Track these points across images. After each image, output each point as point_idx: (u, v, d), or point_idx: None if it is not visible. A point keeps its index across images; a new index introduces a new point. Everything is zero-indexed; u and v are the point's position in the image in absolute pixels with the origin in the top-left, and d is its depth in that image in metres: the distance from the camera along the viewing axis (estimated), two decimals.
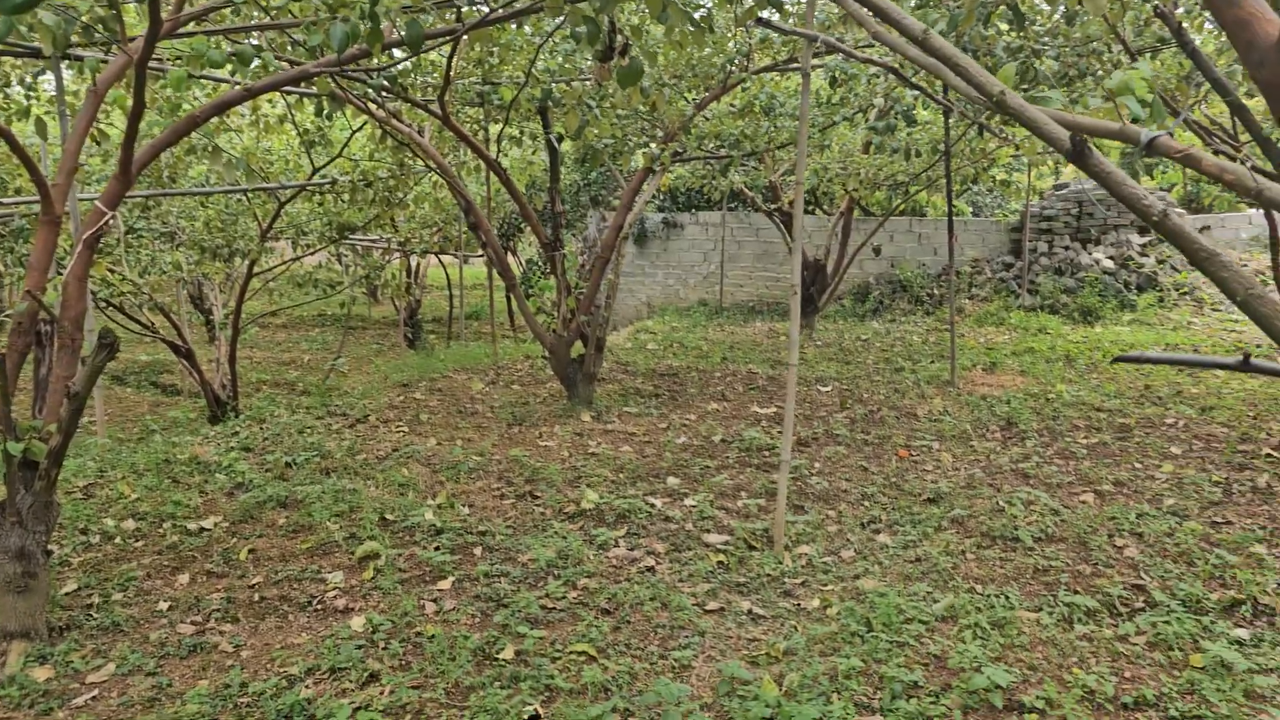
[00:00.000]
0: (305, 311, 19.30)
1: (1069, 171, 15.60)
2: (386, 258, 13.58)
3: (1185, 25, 5.66)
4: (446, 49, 6.55)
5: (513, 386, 9.01)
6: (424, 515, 5.17)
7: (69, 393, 3.72)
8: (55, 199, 3.83)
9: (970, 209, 16.90)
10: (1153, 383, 8.59)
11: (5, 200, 8.13)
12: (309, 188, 8.83)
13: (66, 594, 4.28)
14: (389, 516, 5.22)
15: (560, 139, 7.93)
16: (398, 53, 5.64)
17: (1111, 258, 13.60)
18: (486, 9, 5.12)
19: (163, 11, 3.83)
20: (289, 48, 5.89)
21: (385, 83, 5.66)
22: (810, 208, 15.71)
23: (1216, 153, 5.92)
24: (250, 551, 4.82)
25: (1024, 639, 3.75)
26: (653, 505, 5.39)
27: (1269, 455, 6.12)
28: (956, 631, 3.83)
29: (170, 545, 4.87)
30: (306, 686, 3.47)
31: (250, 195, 9.38)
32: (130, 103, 3.67)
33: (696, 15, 4.21)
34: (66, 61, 5.90)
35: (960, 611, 3.98)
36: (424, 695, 3.39)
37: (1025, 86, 5.57)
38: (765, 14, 5.01)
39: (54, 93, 6.29)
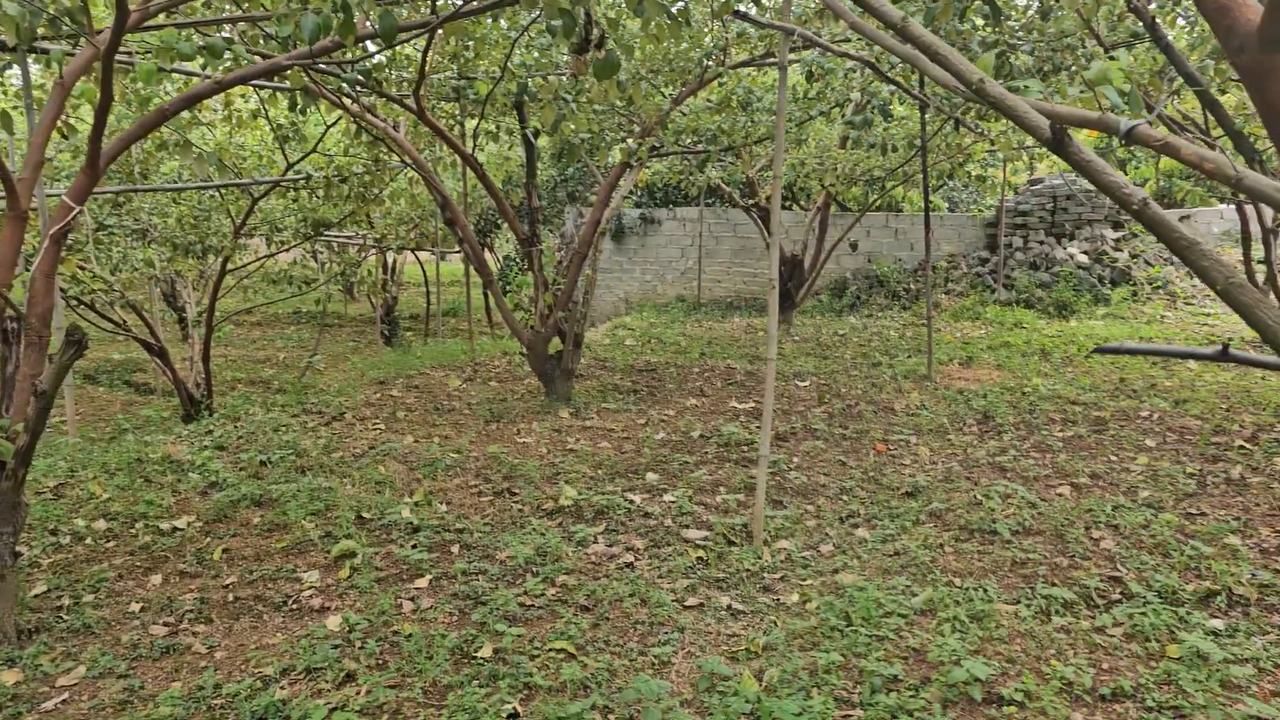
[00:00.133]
0: (280, 309, 19.14)
1: (1044, 167, 15.70)
2: (362, 254, 13.48)
3: (1158, 20, 5.70)
4: (421, 42, 6.50)
5: (490, 383, 8.96)
6: (401, 513, 5.13)
7: (36, 391, 3.66)
8: (21, 193, 3.76)
9: (946, 204, 16.99)
10: (1127, 376, 8.66)
11: None
12: (283, 183, 8.73)
13: (36, 596, 4.21)
14: (365, 515, 5.17)
15: (537, 134, 7.89)
16: (371, 46, 5.58)
17: (1086, 252, 13.70)
18: (460, 1, 5.07)
19: (131, 3, 3.76)
20: (261, 41, 5.82)
21: (359, 77, 5.62)
22: (787, 203, 15.75)
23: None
24: (224, 551, 4.76)
25: (1002, 632, 3.76)
26: (631, 501, 5.37)
27: (1242, 447, 6.17)
28: (935, 625, 3.83)
29: (143, 545, 4.80)
30: (282, 687, 3.42)
31: (223, 191, 9.28)
32: (98, 96, 3.61)
33: (673, 8, 4.20)
34: (33, 55, 5.80)
35: (939, 605, 3.99)
36: (401, 695, 3.36)
37: (1001, 81, 5.59)
38: (742, 7, 5.00)
39: (20, 86, 6.18)
